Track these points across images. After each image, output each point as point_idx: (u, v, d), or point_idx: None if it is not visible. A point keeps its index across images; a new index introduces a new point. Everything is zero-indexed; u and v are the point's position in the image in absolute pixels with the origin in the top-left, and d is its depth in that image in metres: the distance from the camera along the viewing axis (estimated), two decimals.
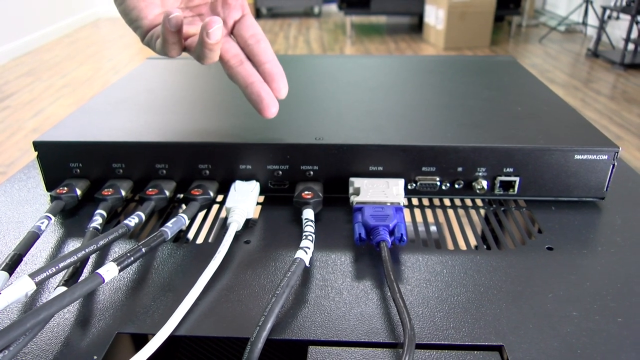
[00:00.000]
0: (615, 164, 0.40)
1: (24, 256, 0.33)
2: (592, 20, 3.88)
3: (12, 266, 0.32)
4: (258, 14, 5.00)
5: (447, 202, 0.43)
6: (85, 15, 4.69)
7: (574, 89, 2.79)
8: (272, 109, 0.37)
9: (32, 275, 0.28)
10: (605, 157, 0.39)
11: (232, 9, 0.38)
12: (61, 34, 4.19)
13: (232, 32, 0.39)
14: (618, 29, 3.64)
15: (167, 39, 0.35)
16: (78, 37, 4.13)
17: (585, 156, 0.39)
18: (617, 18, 3.49)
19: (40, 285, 0.30)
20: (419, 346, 0.28)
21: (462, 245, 0.37)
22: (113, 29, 4.43)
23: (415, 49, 3.71)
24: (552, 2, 4.74)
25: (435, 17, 3.70)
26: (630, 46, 3.18)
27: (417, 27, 4.34)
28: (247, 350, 0.26)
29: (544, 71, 3.12)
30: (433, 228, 0.40)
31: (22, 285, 0.28)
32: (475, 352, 0.28)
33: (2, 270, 0.31)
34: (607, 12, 3.36)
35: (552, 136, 0.41)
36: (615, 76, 3.00)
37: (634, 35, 3.04)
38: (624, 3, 3.24)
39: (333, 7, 5.18)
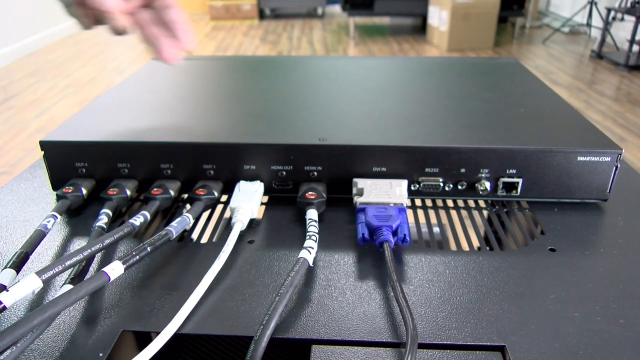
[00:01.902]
0: (618, 165, 0.40)
1: (30, 254, 0.34)
2: (597, 21, 3.87)
3: (19, 264, 0.32)
4: (261, 15, 5.01)
5: (450, 203, 0.43)
6: None
7: (577, 90, 2.78)
8: (168, 56, 0.40)
9: (39, 273, 0.29)
10: (608, 158, 0.40)
11: None
12: (65, 34, 4.21)
13: (148, 5, 0.41)
14: (622, 30, 3.64)
15: (75, 12, 0.39)
16: (82, 38, 4.14)
17: (588, 158, 0.40)
18: (622, 19, 3.48)
19: (47, 283, 0.30)
20: (422, 346, 0.28)
21: (465, 246, 0.37)
22: None
23: (419, 50, 3.71)
24: (556, 4, 4.73)
25: (438, 18, 3.70)
26: (635, 48, 3.17)
27: (421, 29, 4.33)
28: (250, 348, 0.26)
29: (547, 73, 3.11)
30: (436, 229, 0.40)
31: (29, 283, 0.28)
32: (478, 352, 0.28)
33: (9, 268, 0.31)
34: (612, 13, 3.35)
35: (554, 138, 0.41)
36: (620, 78, 3.00)
37: (638, 36, 3.03)
38: (628, 4, 3.24)
39: (336, 8, 5.18)
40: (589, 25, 3.87)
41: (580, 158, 0.40)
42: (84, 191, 0.41)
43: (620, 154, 0.40)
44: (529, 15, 4.37)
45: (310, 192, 0.40)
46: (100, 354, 0.28)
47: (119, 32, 0.39)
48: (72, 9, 0.40)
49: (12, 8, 3.48)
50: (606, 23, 3.33)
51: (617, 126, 2.29)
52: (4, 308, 0.27)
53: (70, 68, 3.25)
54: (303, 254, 0.33)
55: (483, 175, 0.41)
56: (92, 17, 0.39)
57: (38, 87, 2.86)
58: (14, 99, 2.66)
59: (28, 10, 3.68)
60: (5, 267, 0.32)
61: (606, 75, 3.05)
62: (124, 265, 0.31)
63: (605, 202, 0.42)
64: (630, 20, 3.40)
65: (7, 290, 0.28)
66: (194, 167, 0.41)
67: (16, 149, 2.08)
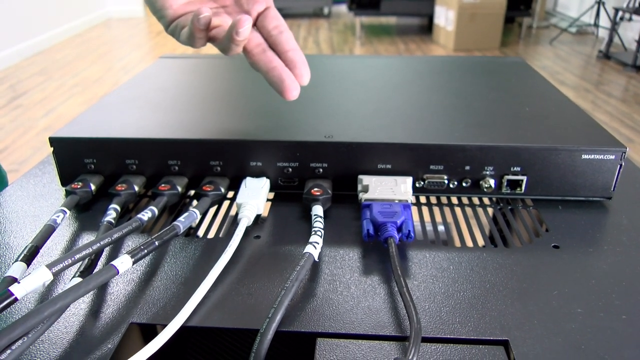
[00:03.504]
0: (623, 164, 0.40)
1: (40, 248, 0.34)
2: (604, 21, 3.85)
3: (29, 257, 0.33)
4: None
5: (454, 200, 0.43)
6: (96, 16, 4.73)
7: (584, 91, 2.77)
8: (293, 91, 0.37)
9: (50, 266, 0.29)
10: (612, 157, 0.40)
11: (256, 2, 0.38)
12: (72, 33, 4.23)
13: (255, 24, 0.39)
14: (630, 30, 3.62)
15: (195, 34, 0.37)
16: (89, 37, 4.17)
17: (593, 156, 0.40)
18: (630, 19, 3.47)
19: (57, 275, 0.31)
20: (425, 340, 0.29)
21: (469, 242, 0.38)
22: (124, 29, 4.46)
23: (425, 50, 3.71)
24: (563, 4, 4.71)
25: (445, 18, 3.69)
26: None
27: (427, 28, 4.33)
28: (256, 341, 0.27)
29: (554, 73, 3.10)
30: (440, 227, 0.41)
31: (40, 276, 0.29)
32: (481, 346, 0.28)
33: (20, 261, 0.32)
34: (620, 13, 3.33)
35: (559, 136, 0.41)
36: (627, 78, 2.98)
37: None
38: (636, 4, 3.22)
39: (343, 8, 5.19)
40: (596, 25, 3.85)
41: (584, 156, 0.40)
42: (93, 187, 0.42)
43: (625, 152, 0.40)
44: (536, 15, 4.35)
45: (316, 189, 0.40)
46: (109, 346, 0.28)
47: (230, 54, 0.37)
48: (178, 29, 0.38)
49: (19, 7, 3.50)
50: (614, 23, 3.31)
51: (625, 127, 2.28)
52: (16, 300, 0.28)
53: (78, 67, 3.27)
54: (309, 249, 0.33)
55: (487, 172, 0.41)
56: (207, 39, 0.38)
57: (46, 86, 2.88)
58: (22, 98, 2.69)
59: (36, 10, 3.70)
60: (16, 261, 0.32)
61: (613, 76, 3.03)
62: (133, 259, 0.31)
63: (609, 200, 0.42)
64: (638, 20, 3.39)
65: (19, 283, 0.28)
66: (201, 164, 0.42)
67: (24, 147, 2.10)
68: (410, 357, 0.26)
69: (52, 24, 3.93)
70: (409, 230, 0.36)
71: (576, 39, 4.03)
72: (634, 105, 2.54)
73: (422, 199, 0.43)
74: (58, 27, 4.00)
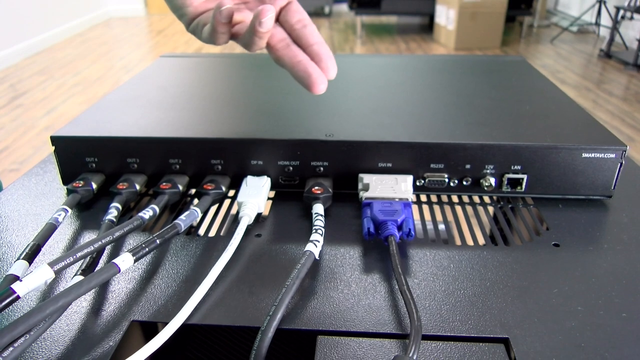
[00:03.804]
0: (623, 162, 0.40)
1: (42, 246, 0.34)
2: (605, 20, 3.85)
3: (31, 255, 0.33)
4: None
5: (455, 199, 0.43)
6: (96, 15, 4.73)
7: (585, 90, 2.77)
8: (320, 85, 0.36)
9: (51, 264, 0.29)
10: (612, 155, 0.40)
11: None
12: (73, 33, 4.24)
13: (278, 19, 0.38)
14: (632, 29, 3.61)
15: (217, 29, 0.36)
16: (90, 37, 4.17)
17: (593, 154, 0.40)
18: (631, 18, 3.46)
19: (59, 274, 0.31)
20: (426, 337, 0.29)
21: (470, 241, 0.38)
22: (124, 29, 4.46)
23: (426, 49, 3.71)
24: (564, 3, 4.70)
25: (446, 17, 3.69)
26: None
27: (428, 28, 4.33)
28: (257, 339, 0.27)
29: (555, 72, 3.10)
30: (441, 226, 0.41)
31: (42, 274, 0.29)
32: (481, 344, 0.28)
33: (22, 259, 0.32)
34: (621, 12, 3.33)
35: (559, 134, 0.41)
36: (628, 77, 2.98)
37: None
38: (638, 3, 3.22)
39: (343, 7, 5.18)
40: (597, 24, 3.84)
41: (585, 155, 0.40)
42: (94, 185, 0.42)
43: (625, 151, 0.40)
44: (537, 14, 4.35)
45: (316, 187, 0.40)
46: (111, 343, 0.28)
47: (254, 49, 0.36)
48: (200, 26, 0.37)
49: (20, 7, 3.50)
50: (615, 22, 3.31)
51: (626, 126, 2.28)
52: (18, 297, 0.28)
53: (79, 66, 3.27)
54: (309, 247, 0.33)
55: (488, 171, 0.41)
56: (230, 34, 0.37)
57: (47, 86, 2.88)
58: (23, 97, 2.69)
59: (36, 9, 3.70)
60: (18, 259, 0.32)
61: (615, 75, 3.03)
62: (134, 257, 0.31)
63: (609, 198, 0.42)
64: (639, 19, 3.38)
65: (21, 281, 0.28)
66: (202, 162, 0.42)
67: (25, 146, 2.10)
68: (411, 354, 0.26)
69: (53, 23, 3.93)
70: (410, 229, 0.36)
71: (577, 37, 4.03)
72: (635, 104, 2.54)
73: (423, 198, 0.43)
74: (59, 27, 4.00)
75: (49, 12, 3.88)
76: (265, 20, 0.33)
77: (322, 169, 0.42)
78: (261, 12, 0.33)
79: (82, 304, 0.31)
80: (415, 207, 0.41)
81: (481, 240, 0.38)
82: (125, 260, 0.31)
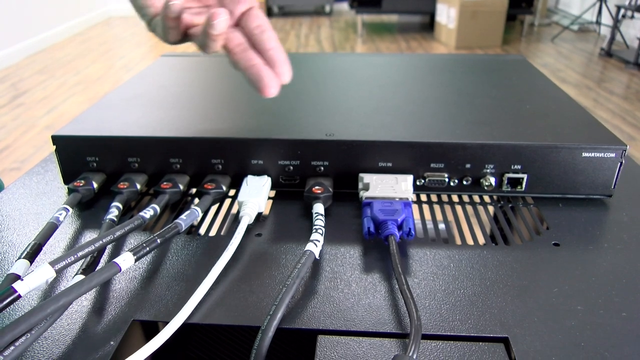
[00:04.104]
0: (623, 161, 0.40)
1: (43, 245, 0.34)
2: (606, 19, 3.85)
3: (32, 255, 0.33)
4: (269, 13, 5.01)
5: (455, 198, 0.43)
6: (97, 14, 4.73)
7: (586, 88, 2.77)
8: (271, 89, 0.37)
9: (52, 263, 0.29)
10: (612, 155, 0.40)
11: (239, 2, 0.39)
12: (74, 32, 4.24)
13: (238, 23, 0.39)
14: (632, 28, 3.61)
15: (166, 24, 0.37)
16: (90, 36, 4.17)
17: (593, 154, 0.40)
18: (632, 17, 3.46)
19: (60, 273, 0.31)
20: (425, 337, 0.29)
21: (470, 240, 0.38)
22: (125, 28, 4.46)
23: (427, 48, 3.70)
24: (565, 1, 4.70)
25: (446, 16, 3.69)
26: None
27: (429, 26, 4.32)
28: (258, 338, 0.27)
29: (556, 71, 3.10)
30: (441, 225, 0.41)
31: (43, 273, 0.29)
32: (481, 343, 0.28)
33: (23, 258, 0.32)
34: (622, 11, 3.33)
35: (560, 134, 0.41)
36: (629, 76, 2.97)
37: None
38: (638, 2, 3.21)
39: (344, 6, 5.18)
40: (598, 23, 3.84)
41: (585, 154, 0.40)
42: (95, 185, 0.42)
43: (625, 150, 0.40)
44: (538, 13, 4.34)
45: (317, 187, 0.40)
46: (111, 342, 0.28)
47: (209, 51, 0.37)
48: (159, 23, 0.38)
49: (21, 6, 3.51)
50: (616, 21, 3.30)
51: (627, 125, 2.28)
52: (19, 296, 0.28)
53: (79, 66, 3.27)
54: (309, 246, 0.34)
55: (488, 170, 0.41)
56: (182, 33, 0.38)
57: (47, 85, 2.88)
58: (24, 96, 2.69)
59: (37, 8, 3.71)
60: (19, 258, 0.32)
61: (615, 74, 3.03)
62: (135, 257, 0.31)
63: (609, 198, 0.42)
64: None
65: (22, 280, 0.28)
66: (202, 162, 0.42)
67: (26, 145, 2.10)
68: (411, 354, 0.26)
69: (54, 23, 3.93)
70: (410, 228, 0.36)
71: (578, 36, 4.02)
72: (636, 103, 2.54)
73: (423, 197, 0.43)
74: (59, 26, 4.01)
75: (50, 11, 3.88)
76: (216, 23, 0.34)
77: (322, 168, 0.42)
78: (213, 15, 0.34)
79: (83, 303, 0.31)
80: (415, 207, 0.41)
81: (481, 240, 0.38)
82: (126, 260, 0.31)
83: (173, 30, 0.38)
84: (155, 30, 0.40)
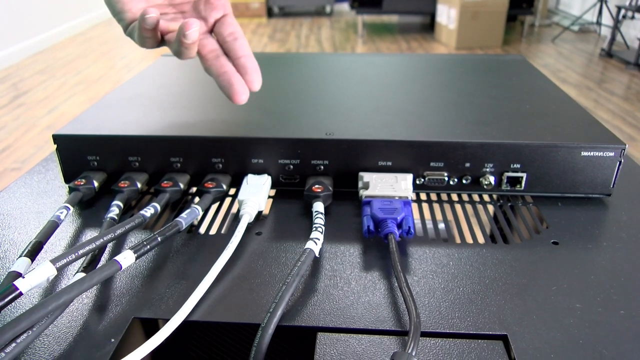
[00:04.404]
0: (622, 160, 0.40)
1: (44, 244, 0.35)
2: (607, 19, 3.85)
3: (33, 253, 0.33)
4: (270, 13, 5.02)
5: (454, 197, 0.43)
6: (98, 14, 4.74)
7: (587, 89, 2.77)
8: (241, 96, 0.38)
9: (53, 261, 0.30)
10: (611, 154, 0.40)
11: (214, 9, 0.40)
12: (74, 32, 4.24)
13: (212, 30, 0.40)
14: (633, 28, 3.61)
15: (143, 34, 0.38)
16: (91, 36, 4.18)
17: (592, 153, 0.40)
18: (632, 18, 3.46)
19: (61, 271, 0.31)
20: (425, 334, 0.29)
21: (469, 239, 0.38)
22: None
23: (427, 49, 3.71)
24: (565, 2, 4.70)
25: (447, 16, 3.69)
26: None
27: (429, 27, 4.33)
28: (258, 335, 0.27)
29: (556, 71, 3.10)
30: (441, 225, 0.41)
31: (44, 270, 0.29)
32: (480, 341, 0.29)
33: (24, 256, 0.32)
34: (622, 11, 3.33)
35: (559, 133, 0.41)
36: (630, 76, 2.98)
37: None
38: (639, 2, 3.21)
39: (345, 6, 5.18)
40: (598, 23, 3.84)
41: (584, 153, 0.40)
42: (96, 184, 0.42)
43: (624, 149, 0.40)
44: (538, 13, 4.34)
45: (317, 186, 0.41)
46: (112, 340, 0.29)
47: (183, 58, 0.38)
48: (136, 30, 0.39)
49: (21, 6, 3.51)
50: (616, 21, 3.30)
51: (627, 125, 2.28)
52: (20, 294, 0.28)
53: (80, 66, 3.28)
54: (309, 244, 0.34)
55: (487, 169, 0.41)
56: (158, 40, 0.39)
57: (48, 85, 2.88)
58: (25, 96, 2.69)
59: (37, 8, 3.71)
60: (21, 256, 0.33)
61: (616, 74, 3.03)
62: (135, 255, 0.31)
63: (608, 197, 0.42)
64: None
65: (23, 277, 0.28)
66: (203, 161, 0.42)
67: (27, 145, 2.10)
68: (410, 351, 0.26)
69: (54, 23, 3.93)
70: (409, 227, 0.36)
71: (578, 37, 4.02)
72: (636, 103, 2.54)
73: (423, 196, 0.43)
74: (60, 26, 4.01)
75: (51, 11, 3.88)
76: (189, 33, 0.35)
77: (322, 167, 0.42)
78: (185, 25, 0.35)
79: (83, 301, 0.32)
80: (415, 206, 0.42)
81: (480, 239, 0.38)
82: (126, 258, 0.31)
83: (149, 39, 0.39)
84: (131, 36, 0.40)
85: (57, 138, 0.42)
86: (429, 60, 0.63)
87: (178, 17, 0.40)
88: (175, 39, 0.37)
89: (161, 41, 0.40)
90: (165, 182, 0.41)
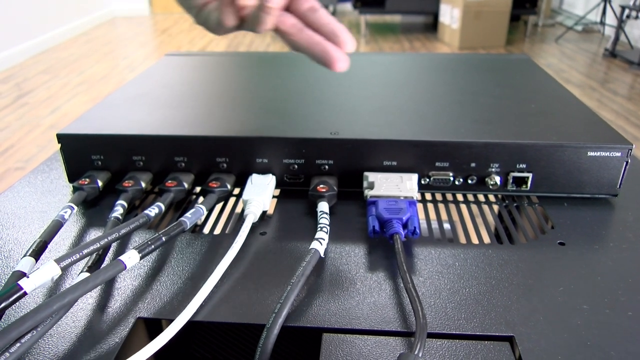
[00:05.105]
0: (629, 161, 0.40)
1: (48, 243, 0.34)
2: (610, 19, 3.84)
3: (38, 252, 0.33)
4: None
5: (460, 197, 0.43)
6: (101, 14, 4.74)
7: (590, 89, 2.76)
8: (340, 62, 0.36)
9: (58, 261, 0.30)
10: (618, 154, 0.40)
11: None
12: (78, 32, 4.25)
13: (288, 8, 0.38)
14: (637, 28, 3.60)
15: (223, 10, 0.36)
16: (94, 36, 4.18)
17: (598, 153, 0.40)
18: (636, 17, 3.45)
19: (65, 270, 0.31)
20: (431, 335, 0.29)
21: (475, 239, 0.38)
22: (128, 28, 4.47)
23: (430, 48, 3.70)
24: (569, 2, 4.69)
25: (450, 16, 3.68)
26: None
27: (432, 27, 4.32)
28: (263, 336, 0.27)
29: (560, 71, 3.09)
30: (446, 224, 0.41)
31: (48, 270, 0.29)
32: (486, 342, 0.28)
33: (29, 256, 0.32)
34: (626, 11, 3.32)
35: (565, 133, 0.41)
36: (633, 76, 2.97)
37: None
38: None
39: (348, 6, 5.18)
40: (602, 23, 3.83)
41: (590, 153, 0.40)
42: (100, 183, 0.42)
43: (631, 150, 0.40)
44: (542, 13, 4.33)
45: (321, 185, 0.40)
46: (116, 340, 0.28)
47: (261, 28, 0.36)
48: (212, 12, 0.37)
49: (25, 6, 3.52)
50: (620, 21, 3.29)
51: (630, 125, 2.27)
52: (25, 294, 0.28)
53: (83, 65, 3.28)
54: (314, 245, 0.34)
55: (493, 169, 0.41)
56: (238, 17, 0.37)
57: (51, 85, 2.89)
58: (28, 96, 2.70)
59: (41, 8, 3.72)
60: (25, 255, 0.33)
61: (620, 74, 3.02)
62: (140, 254, 0.31)
63: (615, 197, 0.42)
64: None
65: (28, 277, 0.28)
66: (207, 160, 0.42)
67: (30, 145, 2.11)
68: (416, 352, 0.26)
69: (57, 23, 3.94)
70: (415, 227, 0.36)
71: (582, 37, 4.01)
72: None
73: (428, 196, 0.43)
74: (63, 26, 4.02)
75: (54, 11, 3.89)
76: None
77: (327, 167, 0.42)
78: None
79: (88, 301, 0.31)
80: (420, 206, 0.41)
81: (486, 239, 0.38)
82: (131, 257, 0.31)
83: (230, 14, 0.36)
84: (206, 20, 0.38)
85: (61, 137, 0.42)
86: (434, 60, 0.63)
87: None
88: (257, 6, 0.35)
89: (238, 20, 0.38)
90: (170, 181, 0.41)
